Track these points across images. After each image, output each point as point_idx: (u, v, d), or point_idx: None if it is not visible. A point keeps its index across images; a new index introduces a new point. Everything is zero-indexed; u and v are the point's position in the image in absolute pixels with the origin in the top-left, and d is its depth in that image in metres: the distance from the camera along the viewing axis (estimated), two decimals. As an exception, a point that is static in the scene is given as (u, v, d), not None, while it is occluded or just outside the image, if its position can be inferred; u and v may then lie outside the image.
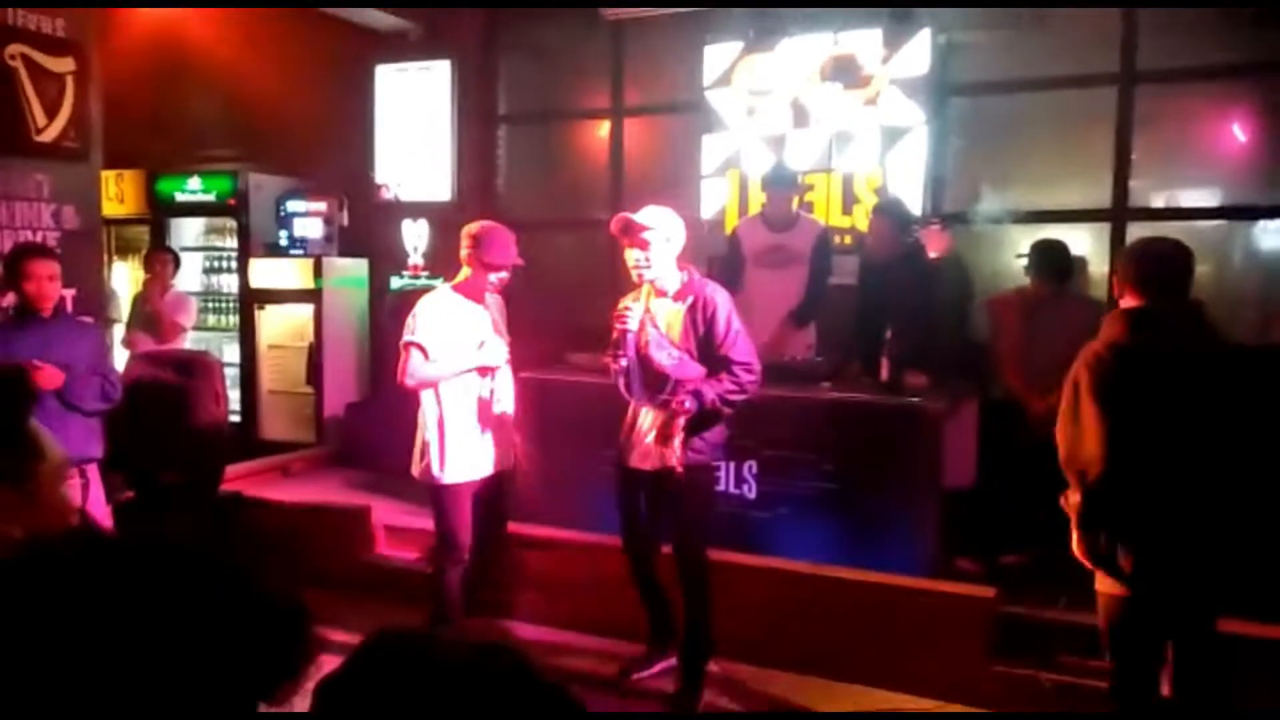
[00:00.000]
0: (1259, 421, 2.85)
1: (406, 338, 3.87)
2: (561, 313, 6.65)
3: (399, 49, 7.28)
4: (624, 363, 3.81)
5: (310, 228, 7.24)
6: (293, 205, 7.26)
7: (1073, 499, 2.90)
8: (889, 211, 5.19)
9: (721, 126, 6.39)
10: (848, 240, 5.94)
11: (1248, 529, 2.83)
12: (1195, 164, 5.89)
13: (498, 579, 4.63)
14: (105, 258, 7.20)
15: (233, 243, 7.51)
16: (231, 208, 7.40)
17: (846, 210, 6.04)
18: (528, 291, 6.88)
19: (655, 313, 3.83)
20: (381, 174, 7.35)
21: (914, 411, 4.42)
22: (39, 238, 5.21)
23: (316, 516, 5.39)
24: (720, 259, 5.58)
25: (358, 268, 7.38)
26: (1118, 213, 5.71)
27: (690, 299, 3.77)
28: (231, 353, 7.35)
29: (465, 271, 3.96)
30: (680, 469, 3.72)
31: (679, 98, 6.66)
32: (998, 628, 4.02)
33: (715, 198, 6.40)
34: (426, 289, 7.09)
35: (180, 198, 7.55)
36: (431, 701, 0.79)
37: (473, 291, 3.96)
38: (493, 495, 4.10)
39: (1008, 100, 6.06)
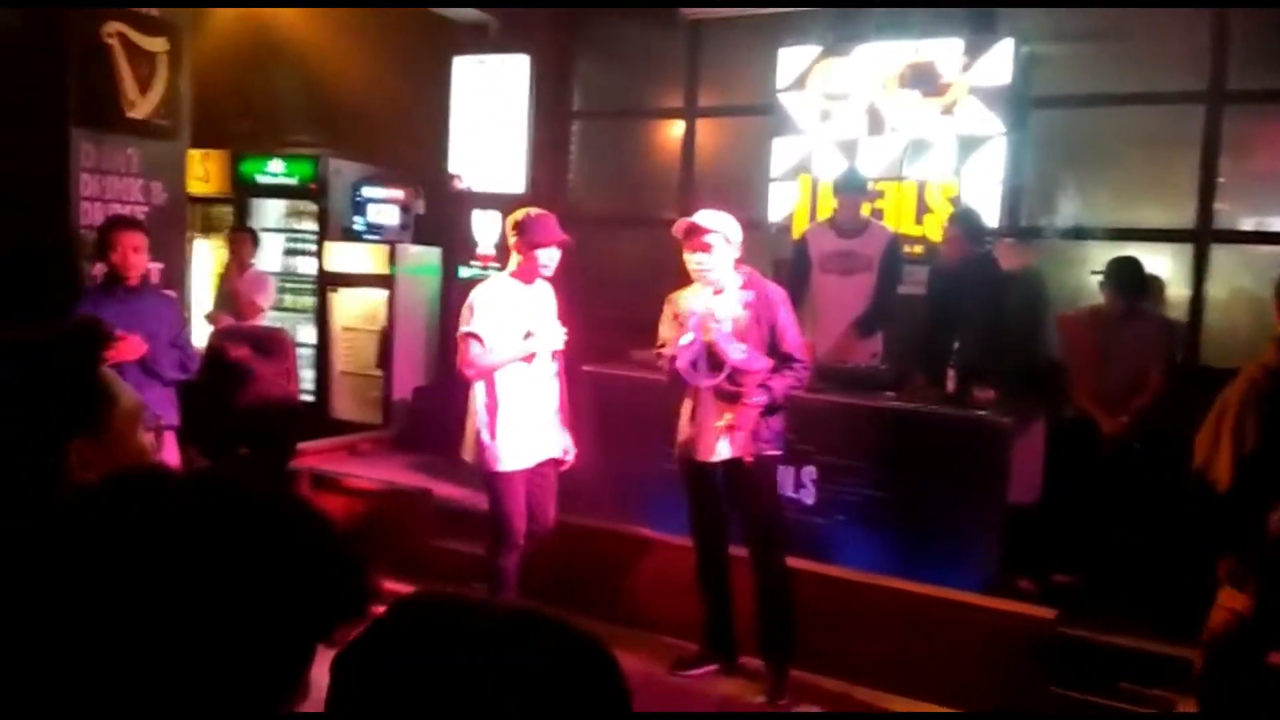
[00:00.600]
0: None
1: (463, 329, 3.95)
2: (627, 309, 6.67)
3: (478, 43, 7.38)
4: (685, 355, 3.84)
5: (386, 214, 7.38)
6: (369, 192, 7.41)
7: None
8: (964, 221, 5.13)
9: (794, 130, 6.36)
10: (918, 250, 5.88)
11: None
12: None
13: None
14: (189, 234, 7.42)
15: (312, 226, 7.69)
16: (311, 192, 7.58)
17: (918, 219, 5.98)
18: (594, 286, 6.96)
19: (718, 309, 3.89)
20: (456, 165, 7.46)
21: (980, 425, 4.37)
22: (128, 211, 5.38)
23: (380, 496, 5.50)
24: (787, 263, 5.56)
25: (430, 256, 7.50)
26: (1201, 234, 5.57)
27: (752, 294, 3.86)
28: (307, 334, 7.53)
29: (515, 258, 4.04)
30: (749, 460, 3.77)
31: (752, 100, 6.65)
32: (1057, 650, 3.95)
33: (784, 201, 6.38)
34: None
35: (262, 180, 7.75)
36: (461, 654, 0.77)
37: (526, 275, 4.03)
38: (540, 485, 4.15)
39: (1090, 114, 5.94)
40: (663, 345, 3.98)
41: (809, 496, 4.63)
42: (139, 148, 5.58)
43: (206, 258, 7.98)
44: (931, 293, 5.18)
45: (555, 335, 4.05)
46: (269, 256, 7.53)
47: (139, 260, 4.15)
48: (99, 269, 4.32)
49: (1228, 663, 2.87)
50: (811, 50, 6.30)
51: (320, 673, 0.84)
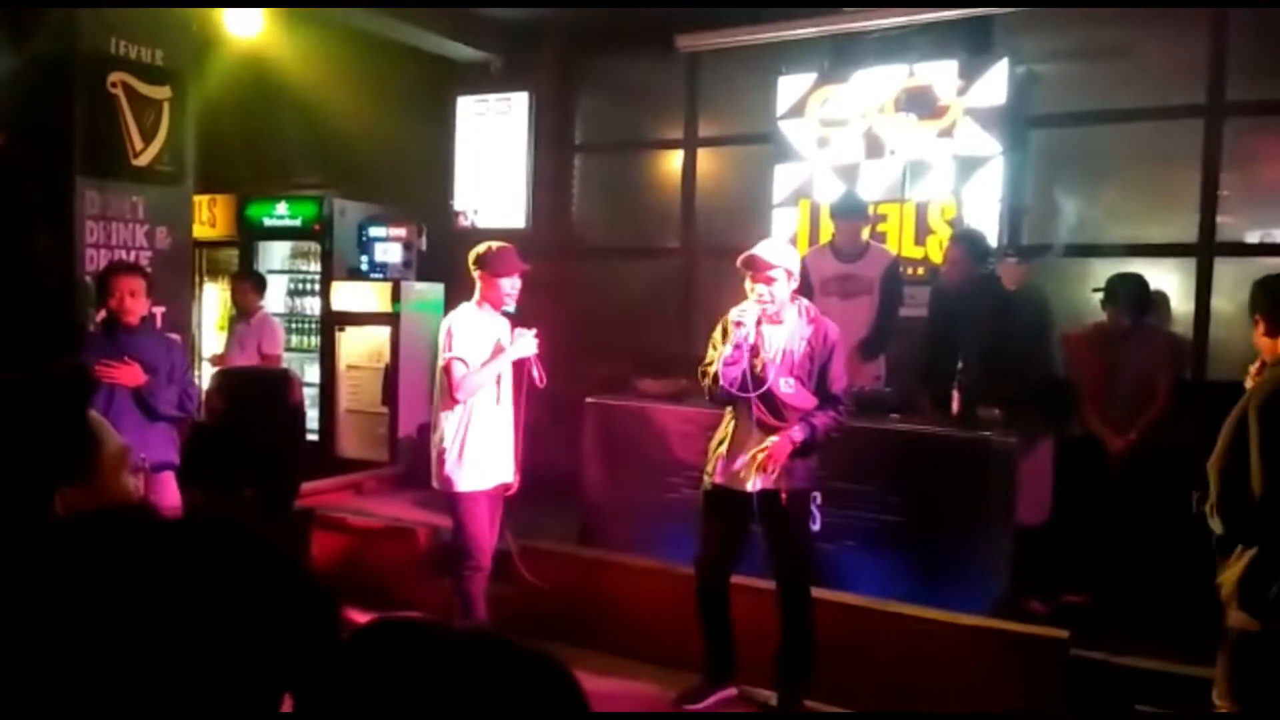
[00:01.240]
0: None
1: (445, 355, 4.07)
2: (631, 339, 6.70)
3: (480, 81, 7.47)
4: (736, 368, 3.78)
5: (390, 252, 7.43)
6: (374, 231, 7.46)
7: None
8: (966, 240, 5.12)
9: (794, 156, 6.39)
10: (920, 271, 5.87)
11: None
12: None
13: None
14: (196, 278, 7.48)
15: (316, 266, 7.74)
16: (316, 232, 7.63)
17: (919, 241, 5.97)
18: (597, 317, 6.98)
19: (770, 340, 3.85)
20: (460, 201, 7.52)
21: (987, 446, 4.32)
22: (133, 257, 5.44)
23: (384, 534, 5.48)
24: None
25: (434, 292, 7.53)
26: (1204, 248, 5.53)
27: (811, 329, 3.82)
28: (312, 372, 7.56)
29: (479, 287, 4.20)
30: (785, 495, 3.74)
31: (751, 128, 6.69)
32: (1070, 672, 3.88)
33: (786, 227, 6.39)
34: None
35: (268, 222, 7.83)
36: (419, 678, 0.79)
37: (492, 301, 4.17)
38: (491, 508, 4.24)
39: (1089, 132, 5.93)
40: (710, 364, 3.90)
41: (815, 522, 4.57)
42: (144, 194, 5.65)
43: (213, 302, 8.04)
44: (934, 314, 5.16)
45: (528, 341, 4.14)
46: (274, 298, 7.58)
47: (136, 304, 4.19)
48: (100, 314, 4.36)
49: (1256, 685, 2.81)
50: (809, 78, 6.35)
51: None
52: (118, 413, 3.83)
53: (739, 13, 6.33)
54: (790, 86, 6.40)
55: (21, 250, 5.36)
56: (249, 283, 6.70)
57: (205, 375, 6.19)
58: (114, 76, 5.46)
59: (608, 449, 5.11)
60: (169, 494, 4.16)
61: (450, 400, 4.10)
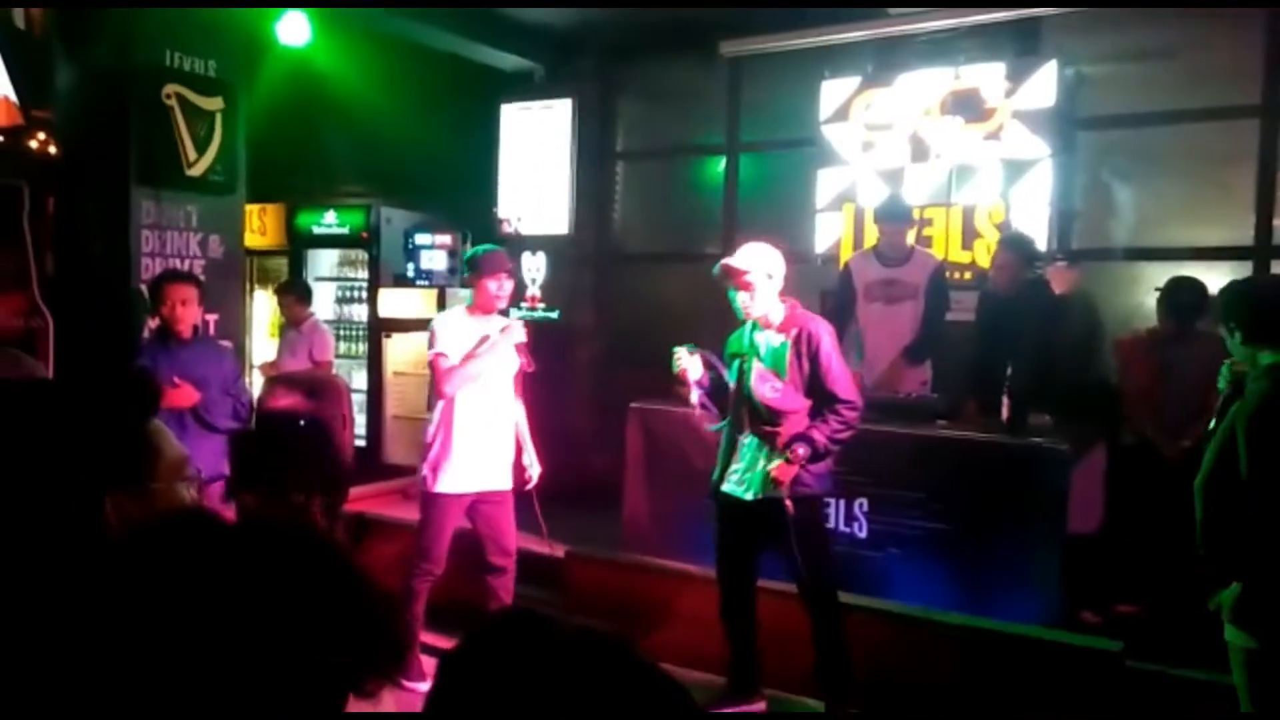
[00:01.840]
0: None
1: (429, 352, 4.17)
2: (675, 344, 6.68)
3: (523, 88, 7.52)
4: (696, 397, 3.91)
5: (436, 260, 7.51)
6: (420, 238, 7.54)
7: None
8: (1014, 245, 5.06)
9: (837, 161, 6.35)
10: (967, 276, 5.80)
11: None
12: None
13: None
14: (246, 286, 7.62)
15: (364, 274, 7.85)
16: (364, 240, 7.74)
17: (966, 245, 5.90)
18: (640, 324, 6.97)
19: (761, 345, 3.85)
20: (503, 208, 7.57)
21: (1037, 453, 4.26)
22: (186, 265, 5.55)
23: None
24: (833, 293, 5.53)
25: (478, 298, 7.59)
26: (1261, 250, 5.41)
27: (795, 331, 3.78)
28: (360, 379, 7.65)
29: (470, 294, 4.29)
30: (789, 502, 3.70)
31: (794, 133, 6.65)
32: (1124, 684, 3.80)
33: (829, 232, 6.35)
34: (544, 320, 7.30)
35: (317, 230, 7.95)
36: (546, 675, 0.82)
37: (483, 308, 4.25)
38: (493, 514, 4.25)
39: (1140, 134, 5.82)
40: (682, 385, 3.95)
41: (861, 530, 4.54)
42: (197, 204, 5.76)
43: (264, 309, 8.18)
44: (982, 319, 5.10)
45: (517, 329, 4.21)
46: (323, 305, 7.69)
47: (188, 312, 4.27)
48: (153, 323, 4.45)
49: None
50: (852, 81, 6.31)
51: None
52: (173, 424, 3.90)
53: (782, 17, 6.30)
54: (834, 90, 6.36)
55: (80, 259, 5.49)
56: (292, 295, 6.79)
57: (256, 382, 6.28)
58: (168, 88, 5.58)
59: (651, 454, 5.11)
60: (218, 505, 4.24)
61: (438, 395, 4.19)
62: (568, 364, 7.33)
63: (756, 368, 3.78)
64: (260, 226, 8.09)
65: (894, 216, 5.27)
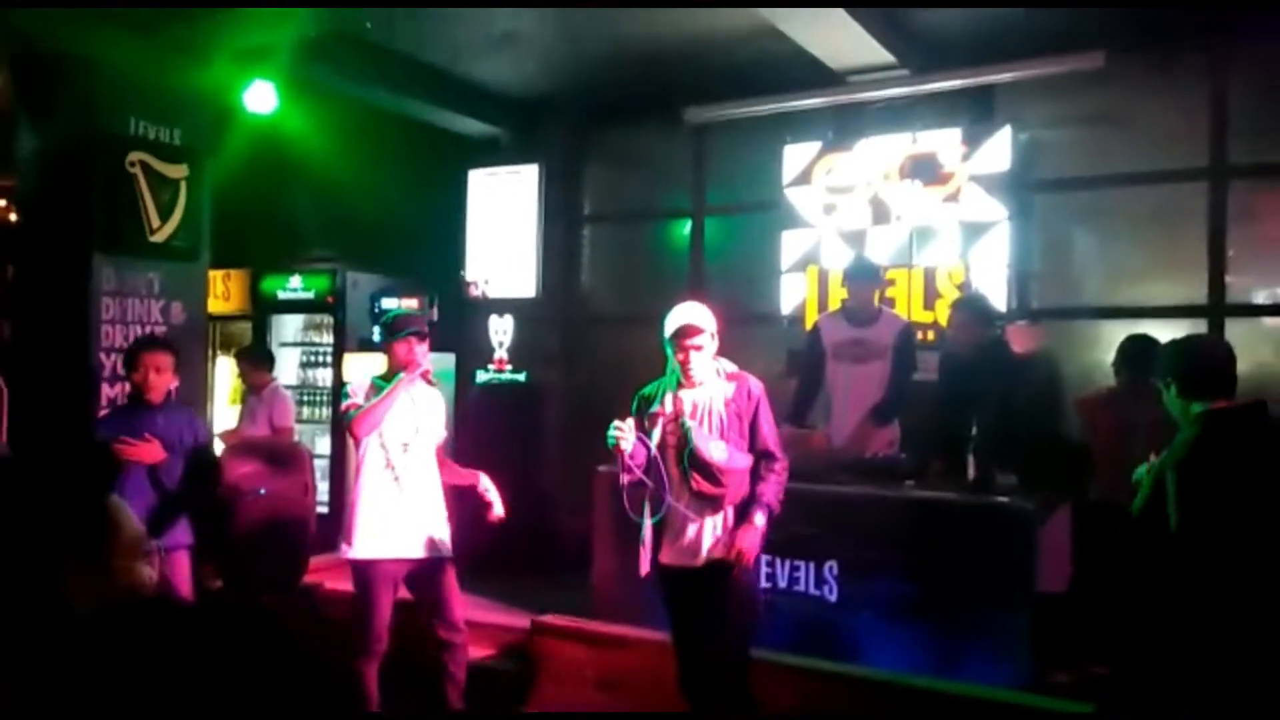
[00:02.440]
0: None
1: (344, 404, 4.07)
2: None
3: (490, 154, 7.60)
4: (625, 479, 3.65)
5: (401, 324, 7.47)
6: (386, 302, 7.52)
7: None
8: (970, 305, 5.13)
9: (801, 223, 6.45)
10: (930, 336, 5.87)
11: None
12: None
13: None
14: (209, 352, 7.54)
15: (329, 338, 7.79)
16: (329, 305, 7.70)
17: (928, 305, 5.99)
18: (607, 386, 6.97)
19: (687, 403, 3.63)
20: (471, 272, 7.59)
21: (1004, 512, 4.27)
22: (147, 332, 5.49)
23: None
24: (800, 353, 5.57)
25: (445, 361, 7.54)
26: (1214, 308, 5.54)
27: (734, 387, 3.64)
28: (324, 444, 7.55)
29: (384, 359, 4.20)
30: (738, 572, 3.55)
31: (758, 196, 6.76)
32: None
33: (795, 293, 6.42)
34: (511, 383, 7.28)
35: (282, 295, 7.91)
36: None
37: (393, 364, 4.10)
38: (432, 583, 4.07)
39: (1093, 195, 5.98)
40: (619, 448, 3.57)
41: (831, 593, 4.51)
42: (159, 270, 5.72)
43: (226, 375, 8.08)
44: (944, 378, 5.15)
45: (425, 363, 4.09)
46: (286, 370, 7.61)
47: (161, 380, 4.22)
48: (123, 388, 4.39)
49: None
50: (814, 146, 6.44)
51: None
52: (133, 490, 3.83)
53: (745, 85, 6.44)
54: (796, 155, 6.49)
55: (38, 326, 5.42)
56: (251, 361, 6.67)
57: (217, 449, 6.17)
58: (133, 155, 5.57)
59: (620, 517, 5.05)
60: (182, 573, 4.14)
61: (354, 441, 4.10)
62: (536, 426, 7.29)
63: (696, 430, 3.59)
64: (224, 292, 8.04)
65: (863, 274, 5.34)
